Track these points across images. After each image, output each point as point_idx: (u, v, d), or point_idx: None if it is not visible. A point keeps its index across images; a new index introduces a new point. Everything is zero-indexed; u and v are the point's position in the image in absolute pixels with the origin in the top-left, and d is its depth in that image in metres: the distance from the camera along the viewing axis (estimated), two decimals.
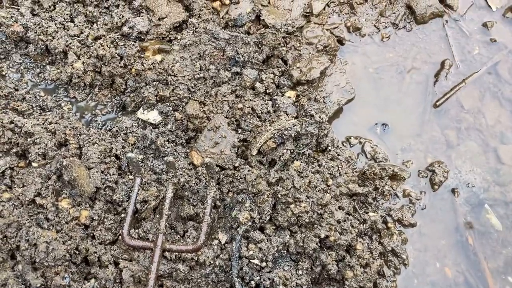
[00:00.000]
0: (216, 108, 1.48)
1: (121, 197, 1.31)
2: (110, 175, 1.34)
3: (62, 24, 1.61)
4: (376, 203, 1.37)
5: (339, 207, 1.31)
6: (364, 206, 1.37)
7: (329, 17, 1.70)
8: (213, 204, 1.30)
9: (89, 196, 1.31)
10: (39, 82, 1.59)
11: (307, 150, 1.39)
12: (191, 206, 1.33)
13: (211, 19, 1.63)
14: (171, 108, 1.50)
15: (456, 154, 1.48)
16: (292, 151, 1.37)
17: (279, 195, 1.27)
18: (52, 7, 1.66)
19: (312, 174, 1.34)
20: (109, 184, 1.32)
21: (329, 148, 1.43)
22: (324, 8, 1.68)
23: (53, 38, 1.57)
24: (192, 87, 1.52)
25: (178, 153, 1.42)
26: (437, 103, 1.55)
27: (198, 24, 1.59)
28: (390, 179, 1.40)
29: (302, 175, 1.34)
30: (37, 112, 1.50)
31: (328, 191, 1.32)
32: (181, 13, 1.64)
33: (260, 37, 1.53)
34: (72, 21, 1.64)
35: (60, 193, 1.32)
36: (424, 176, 1.44)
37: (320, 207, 1.27)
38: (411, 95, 1.58)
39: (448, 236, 1.37)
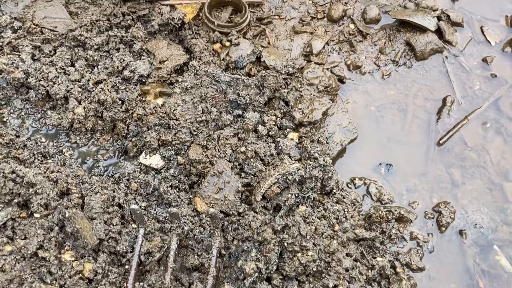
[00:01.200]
0: (218, 152, 1.47)
1: (124, 248, 1.29)
2: (113, 225, 1.33)
3: (63, 69, 1.61)
4: (384, 247, 1.36)
5: (347, 254, 1.29)
6: (371, 251, 1.35)
7: (329, 56, 1.70)
8: (218, 253, 1.28)
9: (93, 248, 1.29)
10: (40, 128, 1.58)
11: (312, 194, 1.38)
12: (196, 256, 1.30)
13: (211, 61, 1.64)
14: (173, 153, 1.49)
15: (462, 193, 1.47)
16: (296, 195, 1.36)
17: (286, 244, 1.25)
18: (52, 51, 1.66)
19: (318, 220, 1.33)
20: (113, 235, 1.30)
21: (334, 190, 1.42)
22: (323, 47, 1.68)
23: (54, 83, 1.56)
24: (194, 130, 1.51)
25: (181, 200, 1.41)
26: (441, 141, 1.54)
27: (199, 67, 1.60)
28: (396, 222, 1.39)
29: (308, 220, 1.32)
30: (38, 160, 1.48)
31: (335, 237, 1.30)
32: (182, 55, 1.65)
33: (261, 79, 1.53)
34: (72, 65, 1.64)
35: (63, 245, 1.30)
36: (431, 217, 1.43)
37: (328, 255, 1.26)
38: (414, 133, 1.57)
39: (458, 279, 1.35)
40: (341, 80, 1.64)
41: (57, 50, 1.65)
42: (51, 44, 1.66)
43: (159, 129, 1.50)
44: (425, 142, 1.56)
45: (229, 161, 1.45)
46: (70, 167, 1.48)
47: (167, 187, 1.41)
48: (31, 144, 1.51)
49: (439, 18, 1.76)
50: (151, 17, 1.67)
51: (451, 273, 1.35)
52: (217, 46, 1.64)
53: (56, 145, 1.55)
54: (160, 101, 1.56)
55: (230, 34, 1.65)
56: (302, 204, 1.37)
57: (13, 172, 1.39)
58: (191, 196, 1.43)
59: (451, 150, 1.54)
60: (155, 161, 1.49)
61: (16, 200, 1.37)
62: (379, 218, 1.37)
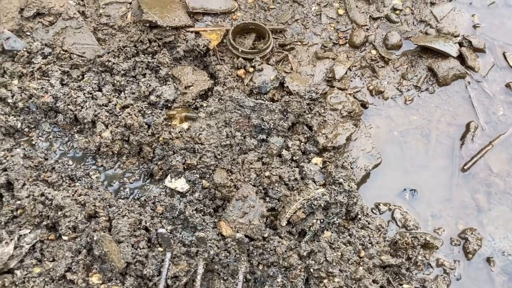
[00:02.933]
0: (243, 176, 1.48)
1: (151, 272, 1.30)
2: (140, 249, 1.34)
3: (90, 94, 1.65)
4: (410, 273, 1.34)
5: (373, 281, 1.29)
6: (397, 277, 1.34)
7: (351, 81, 1.72)
8: (244, 278, 1.28)
9: (120, 271, 1.30)
10: (67, 151, 1.62)
11: (337, 220, 1.38)
12: (222, 281, 1.31)
13: (236, 86, 1.67)
14: (198, 176, 1.50)
15: (488, 219, 1.46)
16: (322, 220, 1.36)
17: (312, 270, 1.25)
18: (80, 76, 1.71)
19: (344, 246, 1.33)
20: (140, 258, 1.31)
21: (359, 216, 1.42)
22: (346, 73, 1.70)
23: (82, 108, 1.60)
24: (219, 154, 1.53)
25: (207, 223, 1.42)
26: (465, 167, 1.54)
27: (224, 92, 1.62)
28: (422, 248, 1.38)
29: (334, 246, 1.32)
30: (66, 182, 1.51)
31: (361, 263, 1.29)
32: (206, 81, 1.68)
33: (285, 104, 1.55)
34: (100, 90, 1.68)
35: (91, 268, 1.32)
36: (457, 244, 1.41)
37: (354, 281, 1.25)
38: (438, 159, 1.57)
39: None
40: (364, 105, 1.66)
41: (85, 75, 1.69)
42: (79, 70, 1.71)
43: (185, 153, 1.53)
44: (449, 168, 1.56)
45: (254, 186, 1.46)
46: (97, 190, 1.50)
47: (192, 211, 1.42)
48: (59, 167, 1.54)
49: (460, 44, 1.77)
50: (177, 44, 1.71)
51: None
52: (241, 72, 1.68)
53: (83, 168, 1.57)
54: (185, 125, 1.59)
55: (253, 60, 1.68)
56: (327, 230, 1.37)
57: (42, 194, 1.42)
58: (216, 220, 1.43)
59: (476, 176, 1.53)
60: (181, 184, 1.51)
61: (45, 223, 1.40)
62: (405, 244, 1.36)
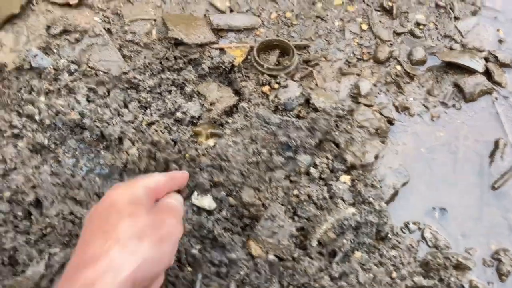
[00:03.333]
0: (271, 194, 1.48)
1: None
2: (170, 269, 1.33)
3: (117, 110, 1.65)
4: None
5: None
6: None
7: (376, 97, 1.71)
8: None
9: None
10: (94, 167, 1.62)
11: (367, 240, 1.36)
12: None
13: (261, 103, 1.66)
14: (225, 194, 1.50)
15: None
16: (352, 241, 1.35)
17: None
18: (106, 93, 1.72)
19: (376, 267, 1.31)
20: (171, 279, 1.31)
21: (389, 236, 1.40)
22: (371, 88, 1.70)
23: (108, 124, 1.61)
24: (245, 172, 1.52)
25: (235, 243, 1.41)
26: (496, 185, 1.52)
27: (249, 108, 1.62)
28: (455, 269, 1.36)
29: (365, 267, 1.31)
30: (94, 200, 1.51)
31: (393, 285, 1.28)
32: (231, 97, 1.68)
33: (312, 122, 1.54)
34: (126, 106, 1.68)
35: None
36: (490, 265, 1.39)
37: None
38: (467, 176, 1.55)
39: None
40: (390, 121, 1.65)
41: (111, 92, 1.70)
42: (105, 86, 1.72)
43: (211, 170, 1.52)
44: (478, 185, 1.54)
45: (282, 204, 1.45)
46: None
47: (221, 229, 1.42)
48: (86, 184, 1.54)
49: (486, 60, 1.76)
50: (202, 61, 1.72)
51: None
52: (266, 88, 1.68)
53: (110, 185, 1.57)
54: (211, 142, 1.59)
55: (278, 77, 1.68)
56: (358, 250, 1.36)
57: (71, 213, 1.43)
58: (244, 239, 1.43)
59: (507, 194, 1.51)
60: (208, 202, 1.50)
61: (74, 241, 1.40)
62: (437, 265, 1.34)
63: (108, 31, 1.78)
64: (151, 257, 0.68)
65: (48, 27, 1.73)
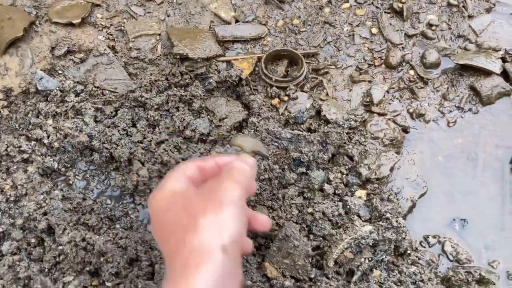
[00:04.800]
0: (285, 213, 1.44)
1: None
2: None
3: (125, 130, 1.63)
4: None
5: None
6: None
7: (390, 104, 1.66)
8: None
9: None
10: (104, 190, 1.61)
11: (385, 257, 1.32)
12: None
13: (270, 116, 1.63)
14: None
15: None
16: (370, 259, 1.31)
17: None
18: (114, 112, 1.69)
19: (395, 285, 1.27)
20: None
21: (408, 251, 1.36)
22: (384, 96, 1.64)
23: (117, 145, 1.59)
24: (258, 189, 1.49)
25: (250, 264, 1.38)
26: None
27: (259, 123, 1.59)
28: (477, 284, 1.31)
29: (384, 286, 1.27)
30: (106, 224, 1.50)
31: None
32: (240, 112, 1.64)
33: (324, 135, 1.50)
34: (134, 125, 1.66)
35: None
36: None
37: None
38: (487, 185, 1.50)
39: None
40: (405, 129, 1.60)
41: (118, 111, 1.68)
42: (112, 105, 1.70)
43: None
44: (500, 194, 1.48)
45: (296, 223, 1.42)
46: (137, 231, 1.48)
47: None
48: (98, 207, 1.53)
49: (503, 59, 1.69)
50: (209, 75, 1.68)
51: None
52: (275, 101, 1.64)
53: (121, 207, 1.56)
54: None
55: (288, 89, 1.64)
56: (376, 268, 1.32)
57: (83, 239, 1.41)
58: (259, 260, 1.40)
59: None
60: None
61: (87, 269, 1.39)
62: (459, 281, 1.30)
63: (113, 48, 1.75)
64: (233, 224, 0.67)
65: (52, 48, 1.71)
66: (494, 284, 1.32)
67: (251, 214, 0.85)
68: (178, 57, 1.68)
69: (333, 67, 1.73)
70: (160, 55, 1.74)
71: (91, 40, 1.74)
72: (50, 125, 1.64)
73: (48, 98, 1.67)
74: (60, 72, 1.72)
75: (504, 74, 1.66)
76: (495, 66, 1.65)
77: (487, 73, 1.65)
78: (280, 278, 1.31)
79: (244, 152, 1.21)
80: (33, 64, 1.69)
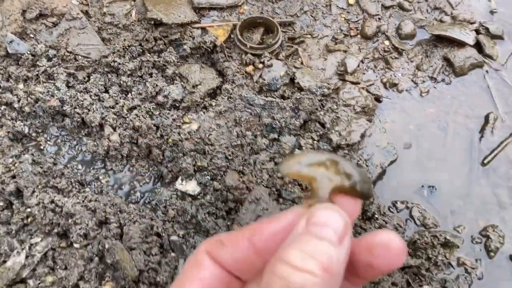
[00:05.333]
0: (255, 177, 1.45)
1: (164, 279, 1.28)
2: (152, 255, 1.31)
3: (97, 96, 1.61)
4: (430, 274, 1.30)
5: (392, 283, 1.25)
6: (417, 278, 1.30)
7: (364, 74, 1.66)
8: None
9: (133, 279, 1.28)
10: (76, 155, 1.59)
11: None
12: None
13: (245, 83, 1.62)
14: (209, 178, 1.47)
15: (510, 215, 1.41)
16: None
17: None
18: (86, 78, 1.67)
19: None
20: (152, 265, 1.29)
21: (376, 216, 1.38)
22: (358, 65, 1.65)
23: (89, 111, 1.57)
24: (230, 155, 1.49)
25: (219, 227, 1.39)
26: (485, 161, 1.48)
27: (232, 90, 1.58)
28: (442, 247, 1.33)
29: None
30: (76, 188, 1.49)
31: None
32: (214, 79, 1.64)
33: (296, 102, 1.50)
34: (106, 91, 1.64)
35: (103, 276, 1.30)
36: (478, 242, 1.37)
37: (373, 284, 1.21)
38: (456, 153, 1.52)
39: None
40: (378, 99, 1.60)
41: (91, 76, 1.65)
42: (85, 71, 1.68)
43: (195, 154, 1.49)
44: (468, 162, 1.50)
45: (267, 187, 1.42)
46: (107, 195, 1.47)
47: (204, 214, 1.39)
48: (68, 172, 1.52)
49: (477, 31, 1.70)
50: (183, 41, 1.67)
51: None
52: (250, 68, 1.63)
53: (92, 172, 1.55)
54: (194, 126, 1.55)
55: (262, 56, 1.63)
56: None
57: (52, 202, 1.40)
58: (228, 223, 1.40)
59: (497, 170, 1.47)
60: (192, 187, 1.48)
61: (55, 230, 1.38)
62: (424, 244, 1.32)
63: (86, 13, 1.72)
64: None
65: (24, 11, 1.68)
66: (458, 247, 1.35)
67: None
68: (152, 22, 1.66)
69: (309, 36, 1.72)
70: (135, 20, 1.72)
71: (64, 4, 1.71)
72: (21, 89, 1.61)
73: (19, 62, 1.64)
74: (31, 36, 1.69)
75: (477, 46, 1.68)
76: (469, 37, 1.66)
77: (461, 44, 1.66)
78: None
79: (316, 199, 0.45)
80: (3, 27, 1.66)
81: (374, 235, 0.39)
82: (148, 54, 1.65)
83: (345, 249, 0.37)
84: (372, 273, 0.39)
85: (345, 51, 1.66)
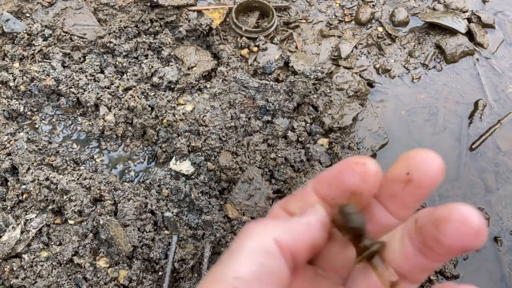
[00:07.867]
0: (248, 158, 1.47)
1: (158, 255, 1.31)
2: (146, 232, 1.34)
3: (93, 76, 1.63)
4: None
5: None
6: None
7: (357, 59, 1.69)
8: None
9: (127, 255, 1.31)
10: (71, 134, 1.60)
11: None
12: None
13: (239, 66, 1.64)
14: (203, 159, 1.49)
15: (495, 199, 1.44)
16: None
17: None
18: (82, 58, 1.68)
19: None
20: (146, 242, 1.32)
21: None
22: (352, 51, 1.67)
23: (84, 90, 1.58)
24: (224, 137, 1.52)
25: (212, 206, 1.41)
26: (473, 146, 1.52)
27: (227, 72, 1.60)
28: None
29: None
30: (71, 166, 1.50)
31: None
32: (209, 61, 1.65)
33: (290, 85, 1.52)
34: (102, 72, 1.65)
35: (98, 252, 1.32)
36: None
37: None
38: (446, 138, 1.55)
39: (493, 287, 1.33)
40: (370, 84, 1.63)
41: (87, 57, 1.67)
42: (81, 51, 1.69)
43: (189, 135, 1.51)
44: (457, 147, 1.53)
45: (259, 168, 1.45)
46: (102, 173, 1.49)
47: (198, 194, 1.42)
48: (63, 150, 1.53)
49: (469, 20, 1.73)
50: (179, 23, 1.68)
51: (486, 281, 1.33)
52: (244, 51, 1.64)
53: (87, 152, 1.57)
54: (189, 107, 1.57)
55: (257, 39, 1.65)
56: None
57: (47, 179, 1.42)
58: (221, 203, 1.43)
59: (484, 155, 1.51)
60: (185, 167, 1.50)
61: (50, 207, 1.40)
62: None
63: None
64: None
65: None
66: None
67: None
68: (148, 4, 1.67)
69: (304, 21, 1.74)
70: (131, 1, 1.72)
71: None
72: (17, 68, 1.61)
73: (15, 41, 1.65)
74: (27, 15, 1.69)
75: (469, 34, 1.70)
76: (461, 25, 1.68)
77: (453, 32, 1.68)
78: (240, 218, 1.35)
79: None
80: (0, 5, 1.66)
81: (445, 207, 0.35)
82: (144, 36, 1.66)
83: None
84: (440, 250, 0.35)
85: (339, 37, 1.68)
